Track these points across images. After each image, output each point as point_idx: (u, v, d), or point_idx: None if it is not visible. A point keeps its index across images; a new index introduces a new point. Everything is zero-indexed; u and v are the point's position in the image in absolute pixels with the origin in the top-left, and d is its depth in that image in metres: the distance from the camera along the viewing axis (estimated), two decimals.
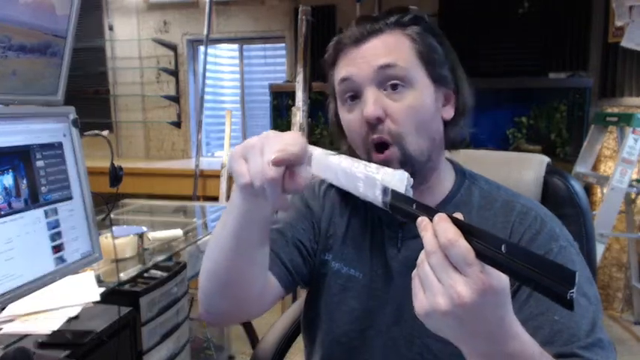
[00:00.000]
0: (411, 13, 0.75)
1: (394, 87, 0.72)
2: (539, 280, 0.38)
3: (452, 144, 0.80)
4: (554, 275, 0.38)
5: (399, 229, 0.79)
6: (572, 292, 0.37)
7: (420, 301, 0.47)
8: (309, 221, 0.85)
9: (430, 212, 0.48)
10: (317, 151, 0.64)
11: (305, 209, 0.86)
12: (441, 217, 0.47)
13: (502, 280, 0.45)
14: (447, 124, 0.78)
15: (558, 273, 0.38)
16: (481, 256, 0.43)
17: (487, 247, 0.43)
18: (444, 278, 0.45)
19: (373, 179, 0.56)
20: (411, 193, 0.54)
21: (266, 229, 0.68)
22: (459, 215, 0.47)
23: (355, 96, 0.74)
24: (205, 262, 0.72)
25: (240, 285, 0.71)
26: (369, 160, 0.73)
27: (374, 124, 0.71)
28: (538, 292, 0.39)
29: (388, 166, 0.71)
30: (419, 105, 0.72)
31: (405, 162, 0.71)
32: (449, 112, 0.77)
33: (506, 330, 0.49)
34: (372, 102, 0.71)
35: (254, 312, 0.78)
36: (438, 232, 0.46)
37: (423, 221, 0.48)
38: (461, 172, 0.82)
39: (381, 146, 0.72)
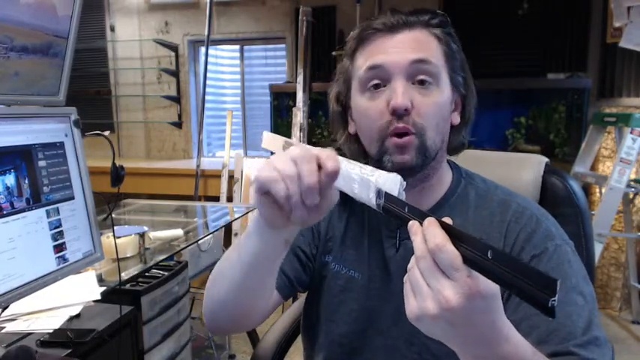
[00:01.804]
0: (439, 15, 0.76)
1: (422, 82, 0.72)
2: (522, 287, 0.39)
3: (453, 149, 0.81)
4: (536, 283, 0.38)
5: (397, 229, 0.79)
6: (554, 300, 0.37)
7: (411, 306, 0.48)
8: (308, 226, 0.85)
9: (422, 216, 0.48)
10: None
11: None
12: (430, 222, 0.47)
13: (490, 285, 0.45)
14: (451, 128, 0.79)
15: (541, 281, 0.38)
16: (468, 261, 0.44)
17: (473, 252, 0.43)
18: (433, 283, 0.45)
19: (367, 181, 0.56)
20: (403, 196, 0.54)
21: (277, 264, 0.68)
22: (448, 220, 0.47)
23: (379, 84, 0.74)
24: (214, 287, 0.74)
25: (248, 309, 0.74)
26: (384, 146, 0.73)
27: (400, 114, 0.71)
28: (521, 299, 0.40)
29: (405, 151, 0.72)
30: (442, 103, 0.74)
31: (421, 151, 0.72)
32: (456, 118, 0.79)
33: (497, 333, 0.49)
34: (402, 92, 0.71)
35: (254, 324, 0.81)
36: (427, 236, 0.46)
37: (413, 225, 0.49)
38: (458, 172, 0.82)
39: (402, 134, 0.72)
